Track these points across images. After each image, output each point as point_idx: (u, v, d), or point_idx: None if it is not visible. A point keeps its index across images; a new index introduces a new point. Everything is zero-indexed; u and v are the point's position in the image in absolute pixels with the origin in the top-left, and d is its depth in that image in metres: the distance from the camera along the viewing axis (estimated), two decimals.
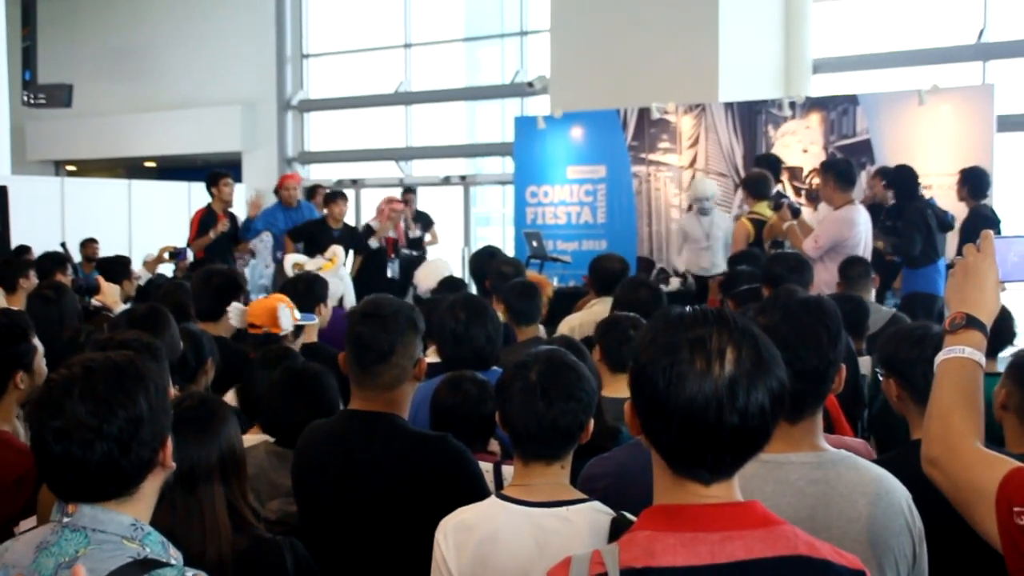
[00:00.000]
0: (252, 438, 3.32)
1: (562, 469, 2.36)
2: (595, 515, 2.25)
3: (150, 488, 1.87)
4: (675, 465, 1.56)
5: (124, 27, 17.00)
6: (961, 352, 1.95)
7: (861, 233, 6.63)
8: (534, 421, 2.30)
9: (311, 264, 6.40)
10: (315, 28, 15.64)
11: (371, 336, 2.73)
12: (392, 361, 2.73)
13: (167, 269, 9.07)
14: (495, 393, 2.44)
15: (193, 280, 4.85)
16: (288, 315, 4.33)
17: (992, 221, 7.23)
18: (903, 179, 7.50)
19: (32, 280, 6.58)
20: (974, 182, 7.43)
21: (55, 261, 7.25)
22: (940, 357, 1.98)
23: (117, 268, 7.94)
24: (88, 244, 11.64)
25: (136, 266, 8.54)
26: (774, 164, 8.22)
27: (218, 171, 9.48)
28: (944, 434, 1.90)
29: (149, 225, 13.84)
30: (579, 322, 5.38)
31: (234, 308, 4.51)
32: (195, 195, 13.50)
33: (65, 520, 1.82)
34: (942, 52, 10.45)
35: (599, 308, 5.27)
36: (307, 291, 4.77)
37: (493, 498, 2.37)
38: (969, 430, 1.89)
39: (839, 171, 6.71)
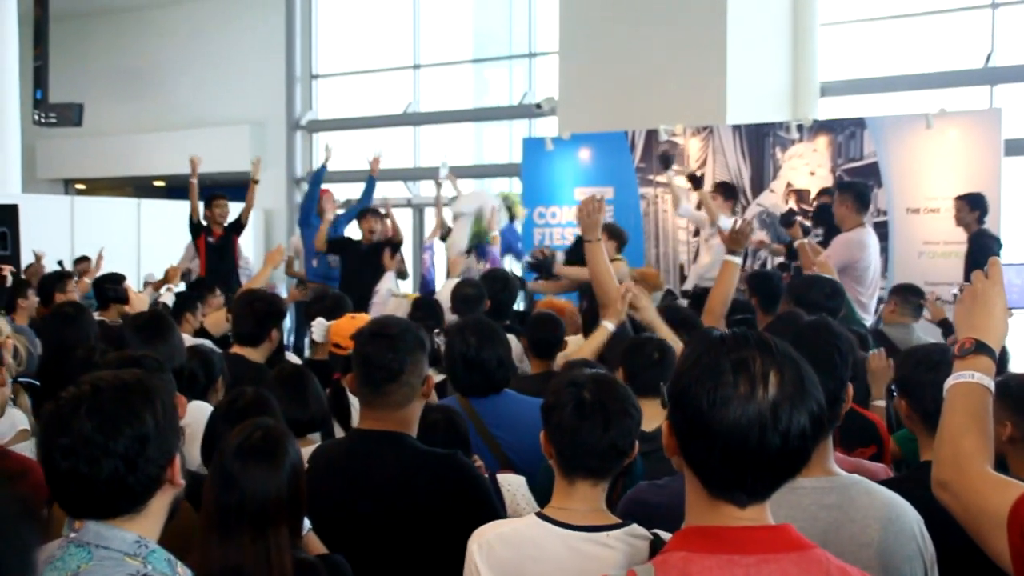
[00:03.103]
0: None
1: (603, 491, 2.35)
2: (634, 540, 2.24)
3: (159, 505, 1.89)
4: (712, 487, 1.57)
5: (134, 47, 17.10)
6: (970, 377, 1.97)
7: (872, 255, 6.66)
8: (593, 439, 2.30)
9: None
10: (324, 49, 15.71)
11: (380, 356, 2.75)
12: (402, 380, 2.75)
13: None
14: (542, 415, 2.41)
15: (235, 303, 4.85)
16: None
17: (997, 246, 7.26)
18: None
19: (31, 300, 6.57)
20: (984, 207, 7.46)
21: (54, 280, 7.18)
22: (950, 382, 2.00)
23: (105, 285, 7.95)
24: (82, 261, 11.69)
25: (137, 286, 8.59)
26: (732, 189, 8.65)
27: (214, 192, 10.10)
28: (954, 458, 1.92)
29: (158, 244, 13.88)
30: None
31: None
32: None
33: (71, 536, 1.84)
34: (949, 76, 10.46)
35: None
36: (334, 307, 5.04)
37: (533, 516, 2.35)
38: (979, 454, 1.91)
39: (858, 193, 6.75)
